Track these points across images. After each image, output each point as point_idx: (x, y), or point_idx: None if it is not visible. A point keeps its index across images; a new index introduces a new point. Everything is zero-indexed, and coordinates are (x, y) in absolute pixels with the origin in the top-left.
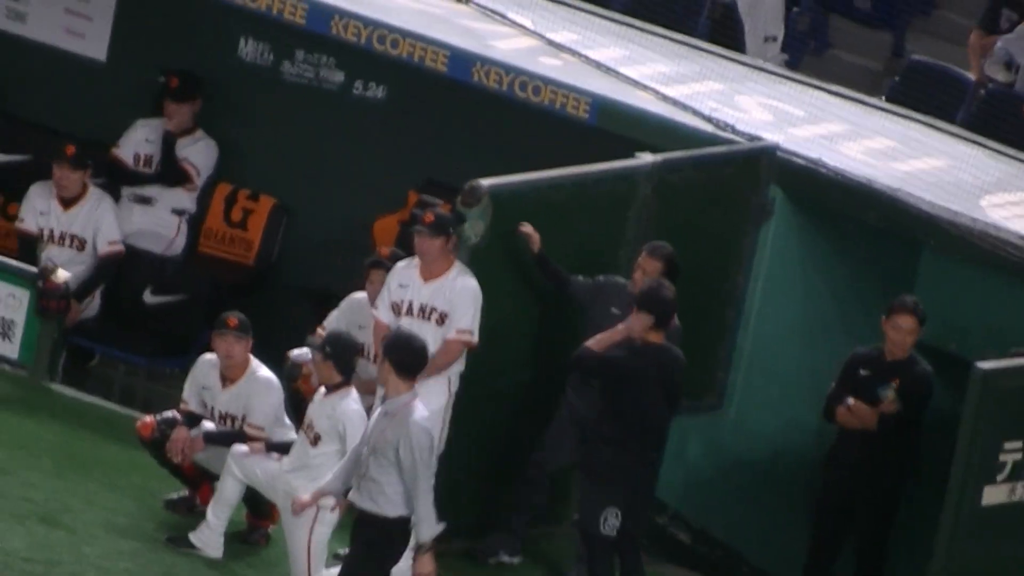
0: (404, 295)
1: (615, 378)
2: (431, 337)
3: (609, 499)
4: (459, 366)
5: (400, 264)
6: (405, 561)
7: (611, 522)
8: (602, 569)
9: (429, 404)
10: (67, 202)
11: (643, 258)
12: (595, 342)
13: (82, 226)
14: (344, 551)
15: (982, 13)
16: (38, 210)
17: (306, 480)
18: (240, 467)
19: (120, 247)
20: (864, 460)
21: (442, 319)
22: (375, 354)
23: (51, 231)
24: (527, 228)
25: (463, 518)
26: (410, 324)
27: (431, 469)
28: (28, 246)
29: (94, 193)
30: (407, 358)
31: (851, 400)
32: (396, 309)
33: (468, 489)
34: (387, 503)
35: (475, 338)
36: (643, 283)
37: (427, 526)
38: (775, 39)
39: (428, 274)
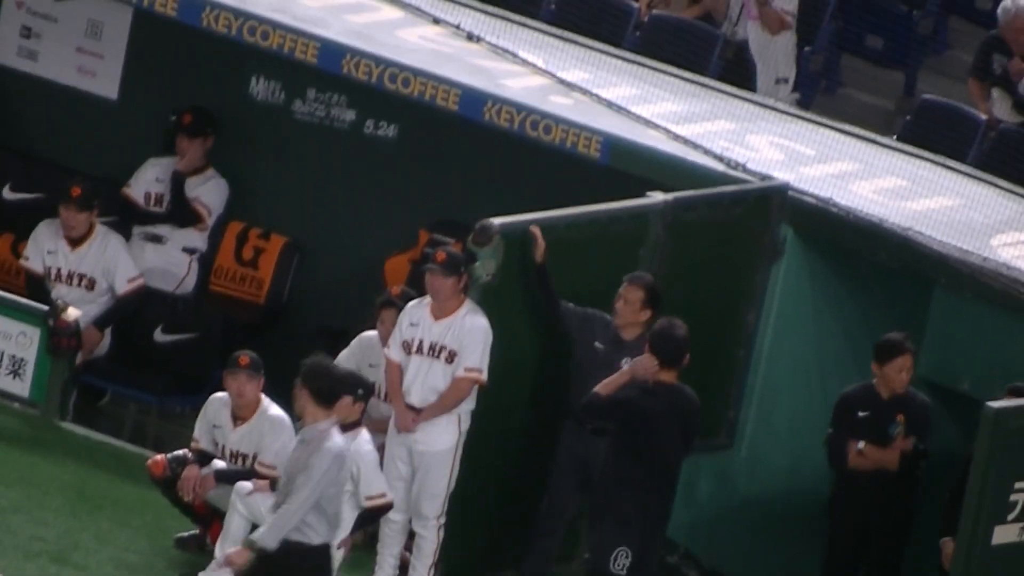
0: (415, 334)
1: (628, 420)
2: (441, 375)
3: (622, 539)
4: (469, 404)
5: (412, 303)
6: None
7: (622, 561)
8: None
9: (439, 443)
10: (74, 241)
11: (624, 288)
12: (602, 386)
13: (91, 265)
14: None
15: (973, 61)
16: (45, 249)
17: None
18: (245, 505)
19: (140, 281)
20: (875, 497)
21: (451, 357)
22: (386, 393)
23: (59, 270)
24: (536, 231)
25: (474, 556)
26: (420, 362)
27: (315, 494)
28: (34, 285)
29: (100, 231)
30: (323, 385)
31: (861, 444)
32: (407, 348)
33: (479, 527)
34: (310, 531)
35: (484, 376)
36: (657, 322)
37: (272, 537)
38: (787, 81)
39: (439, 313)
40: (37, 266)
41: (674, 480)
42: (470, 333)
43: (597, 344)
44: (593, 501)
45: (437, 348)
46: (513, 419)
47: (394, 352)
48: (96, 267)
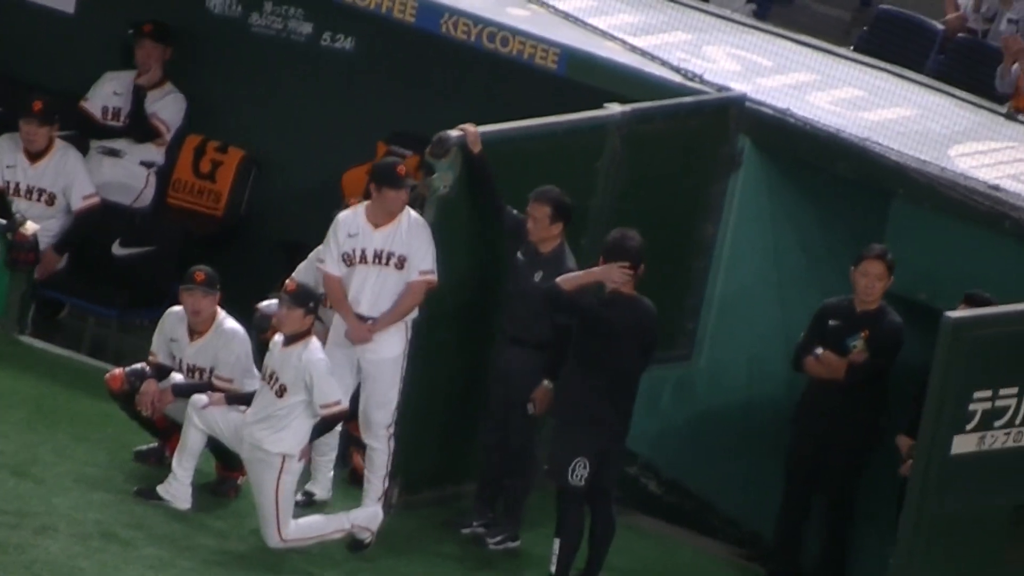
0: (355, 244)
1: (585, 329)
2: (394, 282)
3: (580, 449)
4: (414, 312)
5: (344, 215)
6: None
7: (580, 472)
8: (572, 520)
9: (389, 351)
10: (34, 156)
11: (530, 205)
12: (565, 280)
13: (51, 180)
14: (312, 491)
15: None
16: (4, 163)
17: (271, 431)
18: (201, 418)
19: (96, 199)
20: (833, 411)
21: (401, 263)
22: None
23: (17, 184)
24: (468, 127)
25: (428, 468)
26: (366, 272)
27: None
28: None
29: (60, 146)
30: None
31: (820, 350)
32: (347, 259)
33: (437, 440)
34: None
35: (435, 276)
36: (611, 233)
37: None
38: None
39: (380, 221)
40: None
41: (632, 391)
42: (419, 237)
43: (519, 255)
44: (553, 414)
45: (384, 255)
46: (468, 331)
47: (333, 266)
48: (56, 182)
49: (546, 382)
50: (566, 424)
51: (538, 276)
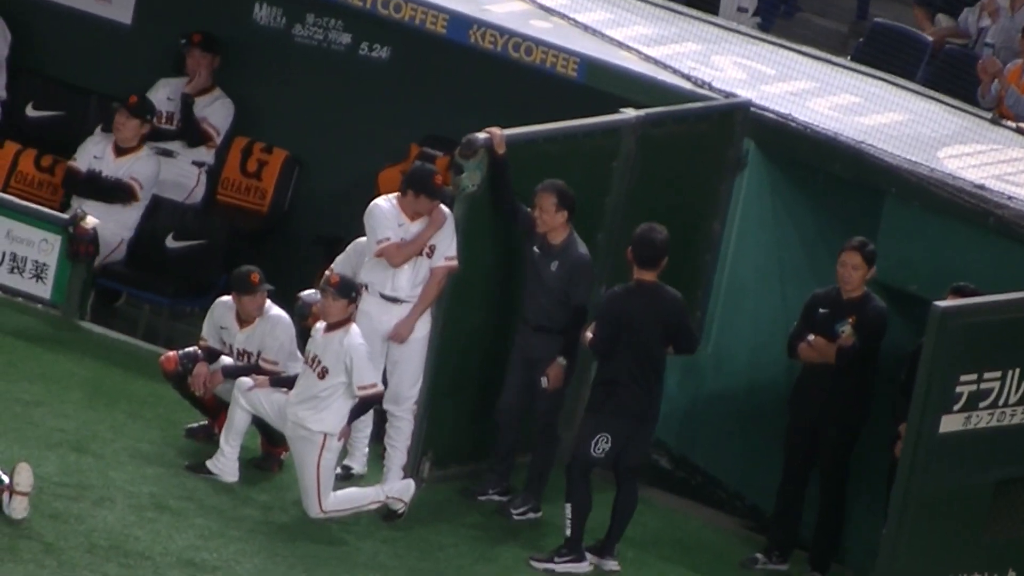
0: (403, 234)
1: (614, 323)
2: (425, 268)
3: (604, 427)
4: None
5: (384, 205)
6: None
7: (601, 446)
8: (578, 488)
9: (417, 332)
10: (121, 151)
11: (537, 196)
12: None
13: (129, 175)
14: (350, 465)
15: None
16: (91, 154)
17: (314, 411)
18: (247, 399)
19: (139, 194)
20: (826, 391)
21: (431, 251)
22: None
23: (99, 173)
24: (495, 130)
25: (456, 445)
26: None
27: None
28: (71, 181)
29: (147, 150)
30: None
31: (812, 336)
32: None
33: (459, 419)
34: None
35: (457, 262)
36: (639, 227)
37: None
38: (747, 11)
39: (416, 215)
40: (81, 166)
41: (659, 373)
42: (446, 227)
43: (534, 248)
44: (589, 401)
45: None
46: (492, 318)
47: (395, 236)
48: (134, 176)
49: (560, 359)
50: (596, 407)
51: (554, 266)
